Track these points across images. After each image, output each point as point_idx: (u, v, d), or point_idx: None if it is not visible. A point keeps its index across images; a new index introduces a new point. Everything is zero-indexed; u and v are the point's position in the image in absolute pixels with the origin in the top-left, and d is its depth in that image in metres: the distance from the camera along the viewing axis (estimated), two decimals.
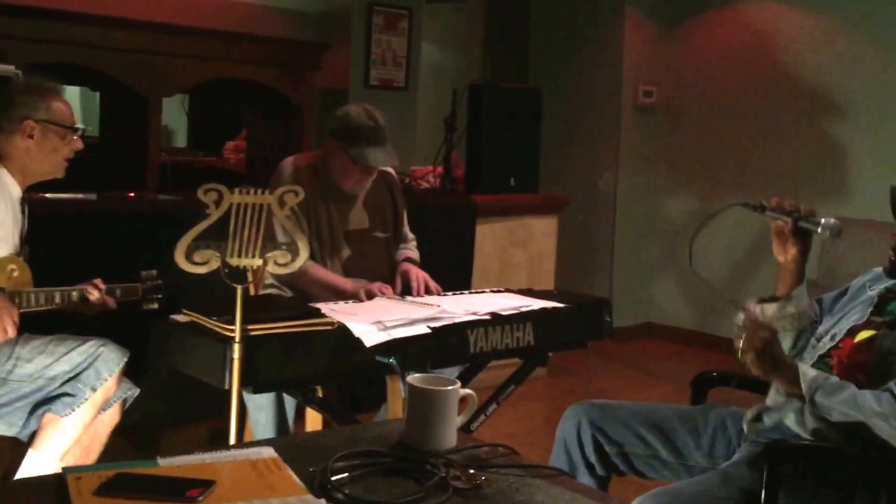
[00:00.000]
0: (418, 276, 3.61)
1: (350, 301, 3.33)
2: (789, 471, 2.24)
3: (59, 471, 1.71)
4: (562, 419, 2.69)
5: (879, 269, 2.66)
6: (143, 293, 3.16)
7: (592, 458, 2.61)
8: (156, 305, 3.19)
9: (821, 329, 2.64)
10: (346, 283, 3.46)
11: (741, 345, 2.33)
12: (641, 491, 2.28)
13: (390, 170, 3.84)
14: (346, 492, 1.67)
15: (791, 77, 6.40)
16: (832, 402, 2.25)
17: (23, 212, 3.08)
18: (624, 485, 2.88)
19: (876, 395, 2.27)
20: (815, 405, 2.25)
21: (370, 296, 3.36)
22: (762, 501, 2.17)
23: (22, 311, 2.87)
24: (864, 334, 2.50)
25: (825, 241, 2.58)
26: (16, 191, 3.03)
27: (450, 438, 1.94)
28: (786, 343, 2.69)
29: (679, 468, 2.59)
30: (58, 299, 2.97)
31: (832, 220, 2.55)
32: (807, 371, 2.31)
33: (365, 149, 3.47)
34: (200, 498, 1.57)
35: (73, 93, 7.56)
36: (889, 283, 2.61)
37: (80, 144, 3.12)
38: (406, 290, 3.58)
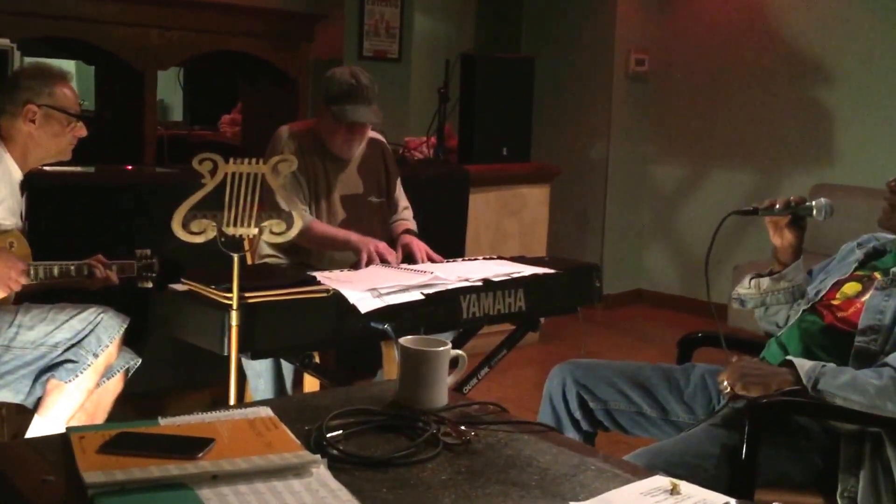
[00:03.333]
0: (420, 247, 3.67)
1: (345, 269, 3.38)
2: (770, 426, 2.31)
3: (63, 431, 1.76)
4: (548, 378, 2.77)
5: (868, 235, 2.74)
6: (138, 271, 3.21)
7: (577, 415, 2.69)
8: (150, 284, 3.24)
9: (808, 288, 2.72)
10: (352, 235, 3.52)
11: (727, 382, 2.37)
12: (629, 449, 2.34)
13: (381, 137, 3.90)
14: (341, 448, 1.72)
15: (781, 45, 6.42)
16: (834, 387, 2.28)
17: (22, 192, 3.11)
18: (612, 443, 2.96)
19: (876, 371, 2.32)
20: (819, 393, 2.28)
21: (370, 260, 3.41)
22: (743, 457, 2.23)
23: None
24: (849, 287, 2.57)
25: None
26: (17, 174, 3.07)
27: (441, 397, 2.00)
28: (780, 316, 2.76)
29: (663, 424, 2.66)
30: (56, 272, 3.00)
31: (823, 201, 2.62)
32: (803, 363, 2.34)
33: (345, 106, 3.53)
34: (200, 455, 1.61)
35: (68, 67, 7.56)
36: (876, 242, 2.69)
37: (83, 132, 3.14)
38: (408, 262, 3.63)
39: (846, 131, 6.17)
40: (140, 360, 3.12)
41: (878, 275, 2.55)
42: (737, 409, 2.35)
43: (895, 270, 2.49)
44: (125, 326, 2.98)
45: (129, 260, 3.20)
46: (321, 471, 1.60)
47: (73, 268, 3.04)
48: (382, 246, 3.47)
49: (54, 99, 3.06)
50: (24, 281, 2.86)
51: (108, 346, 2.94)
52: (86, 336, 2.91)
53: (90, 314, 2.94)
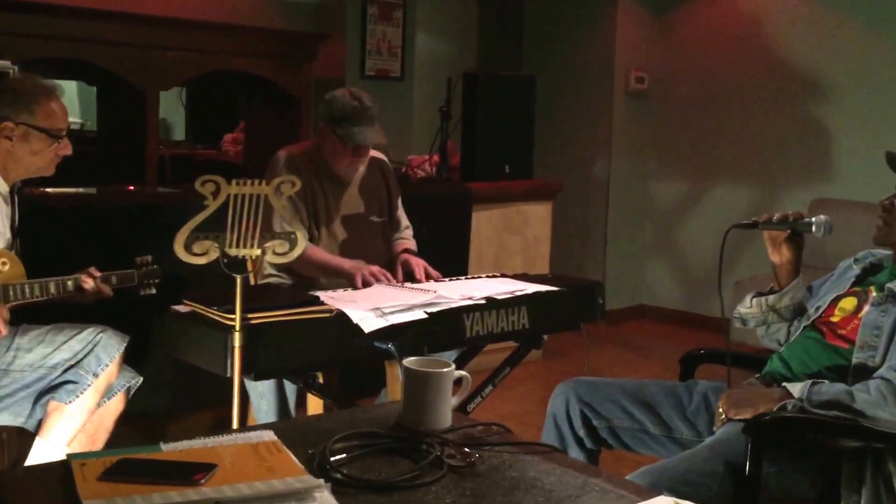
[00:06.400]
0: (419, 264, 3.67)
1: (348, 289, 3.38)
2: (772, 442, 2.31)
3: (64, 458, 1.74)
4: (551, 396, 2.77)
5: (865, 251, 2.76)
6: (139, 279, 3.18)
7: (581, 433, 2.69)
8: (153, 290, 3.21)
9: (808, 304, 2.73)
10: (345, 263, 3.52)
11: (722, 409, 2.46)
12: (633, 466, 2.34)
13: (383, 156, 3.90)
14: (345, 472, 1.71)
15: (779, 61, 6.43)
16: (826, 403, 2.31)
17: (12, 205, 3.05)
18: (616, 460, 2.95)
19: (865, 384, 2.35)
20: (812, 404, 2.32)
21: (366, 283, 3.40)
22: (746, 473, 2.23)
23: (16, 303, 2.87)
24: (846, 302, 2.58)
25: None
26: (2, 186, 3.00)
27: (445, 419, 1.99)
28: (781, 333, 2.78)
29: (666, 441, 2.66)
30: (52, 289, 2.95)
31: (822, 218, 2.65)
32: (794, 384, 2.40)
33: (351, 128, 3.53)
34: (203, 481, 1.59)
35: (70, 87, 7.56)
36: (873, 258, 2.70)
37: (68, 150, 3.05)
38: (408, 279, 3.64)
39: (844, 147, 6.19)
40: (141, 379, 3.08)
41: (873, 290, 2.56)
42: (739, 426, 2.36)
43: (890, 286, 2.51)
44: (125, 345, 2.96)
45: (129, 270, 3.17)
46: (324, 495, 1.59)
47: (69, 282, 2.99)
48: (375, 269, 3.46)
49: (34, 118, 2.96)
50: (3, 331, 2.80)
51: (107, 366, 2.91)
52: (85, 356, 2.88)
53: (89, 334, 2.91)
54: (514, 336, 3.36)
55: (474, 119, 5.40)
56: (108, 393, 2.98)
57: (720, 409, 2.44)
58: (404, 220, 3.93)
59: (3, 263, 2.92)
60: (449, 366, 2.01)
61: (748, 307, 2.81)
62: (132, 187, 4.62)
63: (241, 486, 1.59)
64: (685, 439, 2.64)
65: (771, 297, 2.76)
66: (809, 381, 2.38)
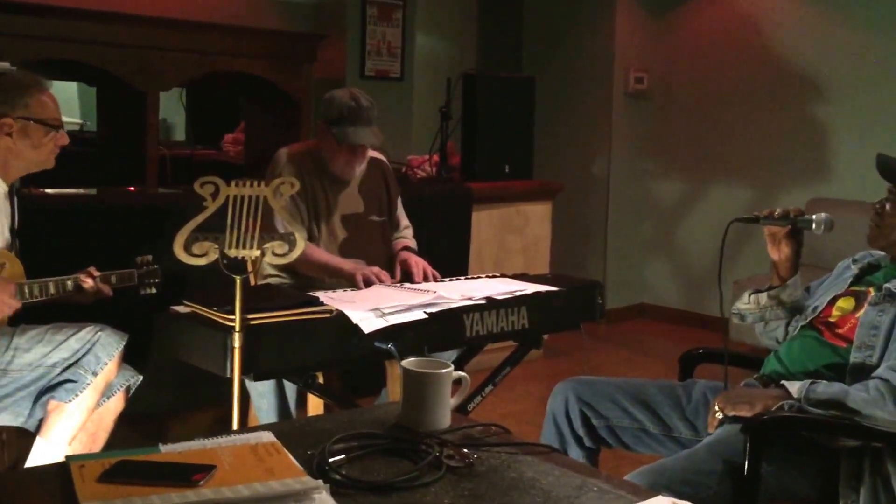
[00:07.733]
0: (418, 263, 3.68)
1: (348, 289, 3.38)
2: (771, 441, 2.31)
3: (63, 459, 1.73)
4: (551, 395, 2.78)
5: (863, 252, 2.76)
6: (139, 278, 3.18)
7: (581, 432, 2.69)
8: (153, 290, 3.21)
9: (806, 304, 2.74)
10: (345, 263, 3.53)
11: (718, 406, 2.44)
12: (633, 465, 2.35)
13: (382, 157, 3.91)
14: (344, 473, 1.71)
15: (777, 62, 6.44)
16: (824, 402, 2.32)
17: (11, 205, 3.05)
18: (616, 459, 2.96)
19: (864, 384, 2.35)
20: (811, 403, 2.33)
21: (367, 282, 3.41)
22: (745, 472, 2.24)
23: None
24: (844, 301, 2.59)
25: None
26: (1, 186, 3.00)
27: (444, 419, 1.99)
28: (779, 331, 2.78)
29: (665, 440, 2.66)
30: (52, 289, 2.95)
31: (823, 215, 2.65)
32: (793, 383, 2.40)
33: (346, 128, 3.55)
34: (202, 482, 1.59)
35: (70, 89, 7.59)
36: (871, 258, 2.71)
37: (65, 140, 3.05)
38: (406, 278, 3.64)
39: (842, 146, 6.19)
40: (141, 378, 3.07)
41: (871, 290, 2.56)
42: (737, 425, 2.36)
43: (888, 286, 2.51)
44: (123, 343, 2.95)
45: (129, 269, 3.16)
46: (323, 496, 1.59)
47: (69, 282, 2.99)
48: (375, 269, 3.47)
49: (30, 110, 2.96)
50: (15, 304, 2.82)
51: (107, 364, 2.90)
52: (84, 355, 2.88)
53: (87, 333, 2.90)
54: (513, 336, 3.36)
55: (474, 119, 5.41)
56: (107, 392, 2.97)
57: (715, 408, 2.43)
58: (404, 220, 3.94)
59: (3, 265, 2.92)
60: (447, 366, 2.00)
61: (746, 303, 2.82)
62: (132, 188, 4.63)
63: (240, 488, 1.59)
64: (684, 439, 2.65)
65: (768, 294, 2.77)
66: (808, 381, 2.38)
